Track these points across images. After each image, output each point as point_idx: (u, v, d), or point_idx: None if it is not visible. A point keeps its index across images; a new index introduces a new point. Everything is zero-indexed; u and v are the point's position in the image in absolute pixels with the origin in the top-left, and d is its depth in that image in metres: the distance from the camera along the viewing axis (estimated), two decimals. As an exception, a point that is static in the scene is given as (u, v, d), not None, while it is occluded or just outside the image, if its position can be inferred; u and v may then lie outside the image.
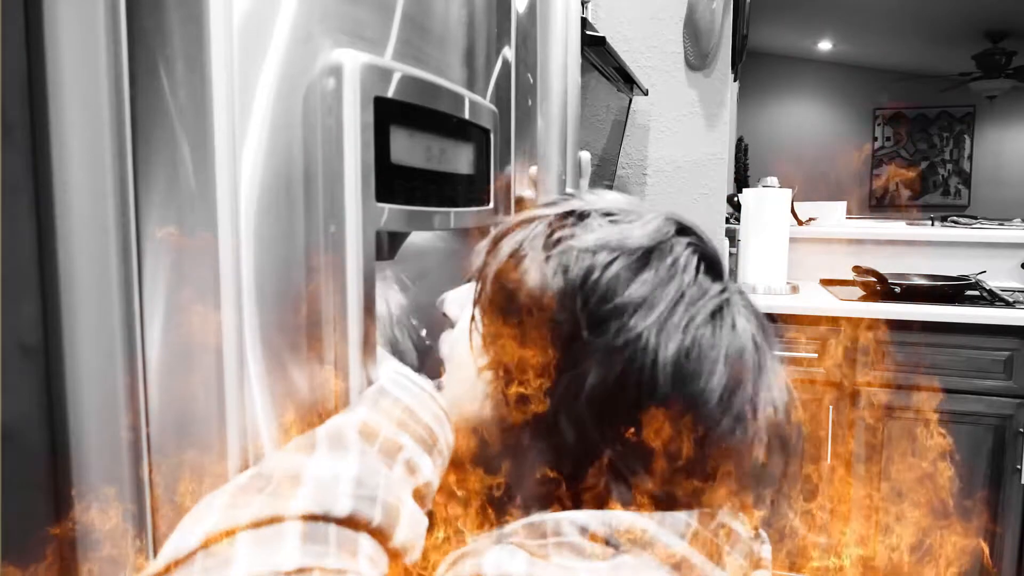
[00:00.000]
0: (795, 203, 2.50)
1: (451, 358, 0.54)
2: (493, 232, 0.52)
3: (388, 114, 0.50)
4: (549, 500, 0.46)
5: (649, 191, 2.28)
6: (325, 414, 0.47)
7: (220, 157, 0.40)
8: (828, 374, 1.98)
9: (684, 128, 2.25)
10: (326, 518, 0.37)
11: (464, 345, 0.51)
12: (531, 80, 0.80)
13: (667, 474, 0.44)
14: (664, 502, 0.44)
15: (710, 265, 0.48)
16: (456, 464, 0.50)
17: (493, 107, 0.68)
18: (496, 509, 0.48)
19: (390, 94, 0.50)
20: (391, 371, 0.49)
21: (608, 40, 1.67)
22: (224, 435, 0.42)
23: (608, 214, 0.49)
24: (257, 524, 0.36)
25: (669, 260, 0.46)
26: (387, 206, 0.50)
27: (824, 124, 6.72)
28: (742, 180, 2.83)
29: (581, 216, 0.49)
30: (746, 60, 2.44)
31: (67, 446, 0.42)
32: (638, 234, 0.47)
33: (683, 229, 0.49)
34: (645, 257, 0.46)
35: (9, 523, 0.39)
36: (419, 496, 0.45)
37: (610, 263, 0.46)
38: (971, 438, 1.90)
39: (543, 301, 0.46)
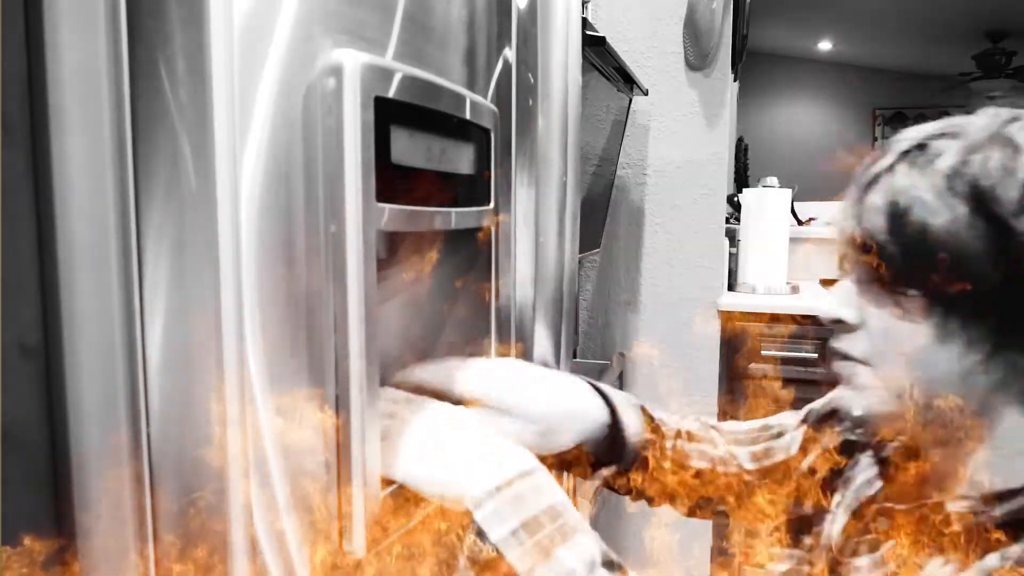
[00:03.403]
0: (795, 203, 2.50)
1: (874, 353, 0.54)
2: (841, 202, 0.52)
3: (388, 114, 0.50)
4: None
5: (649, 191, 2.28)
6: (324, 415, 0.47)
7: (220, 157, 0.40)
8: (829, 374, 1.97)
9: (684, 128, 2.25)
10: None
11: (893, 328, 0.50)
12: (532, 80, 0.80)
13: None
14: None
15: None
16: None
17: (494, 107, 0.68)
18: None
19: (391, 94, 0.50)
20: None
21: (608, 40, 1.66)
22: (224, 435, 0.42)
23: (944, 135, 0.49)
24: None
25: None
26: (387, 206, 0.50)
27: (824, 124, 6.71)
28: (742, 180, 2.83)
29: (942, 137, 0.49)
30: (746, 60, 2.44)
31: (67, 446, 0.41)
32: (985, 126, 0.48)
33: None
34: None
35: (9, 523, 0.39)
36: None
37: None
38: (971, 438, 1.89)
39: (958, 230, 0.45)
